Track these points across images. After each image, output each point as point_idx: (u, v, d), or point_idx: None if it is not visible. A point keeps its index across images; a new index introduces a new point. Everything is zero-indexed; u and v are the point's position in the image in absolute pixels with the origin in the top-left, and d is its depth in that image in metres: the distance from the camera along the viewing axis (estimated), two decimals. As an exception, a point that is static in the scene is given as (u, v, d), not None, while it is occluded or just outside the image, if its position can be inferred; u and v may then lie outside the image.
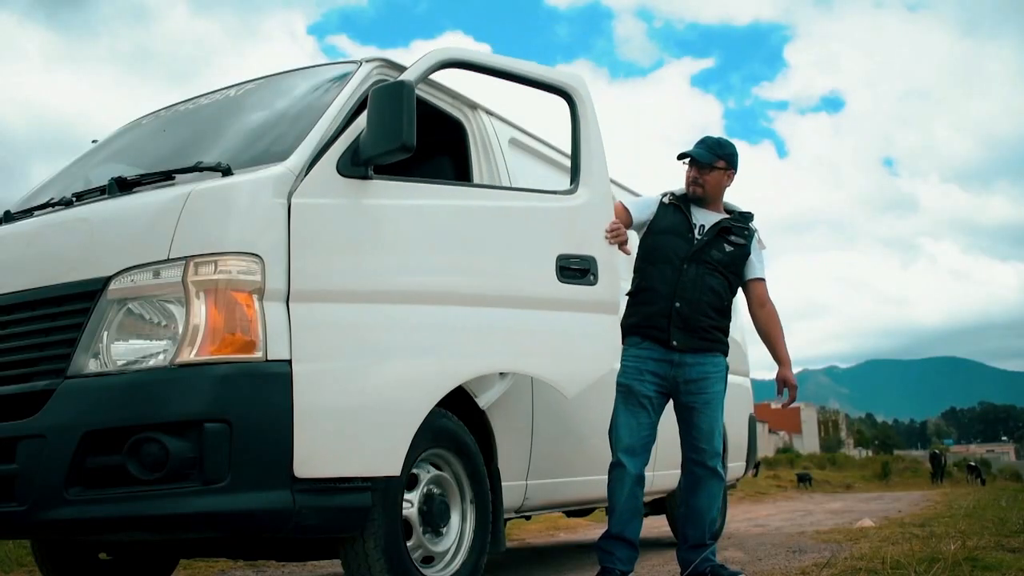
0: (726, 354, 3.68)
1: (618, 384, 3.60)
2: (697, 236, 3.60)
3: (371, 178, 2.77)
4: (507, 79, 3.35)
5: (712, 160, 3.63)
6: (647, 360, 3.54)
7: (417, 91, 3.42)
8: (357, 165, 2.73)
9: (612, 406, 3.61)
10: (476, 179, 3.61)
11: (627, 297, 3.70)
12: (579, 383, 3.26)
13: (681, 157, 3.68)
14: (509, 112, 4.02)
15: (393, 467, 2.69)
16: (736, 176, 3.71)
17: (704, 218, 3.66)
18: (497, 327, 3.05)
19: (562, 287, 3.19)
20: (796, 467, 30.36)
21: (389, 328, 2.76)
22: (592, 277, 3.28)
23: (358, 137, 2.75)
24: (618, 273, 3.42)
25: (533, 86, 3.42)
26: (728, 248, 3.62)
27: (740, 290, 3.79)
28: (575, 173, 3.39)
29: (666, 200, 3.71)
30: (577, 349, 3.27)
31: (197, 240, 2.46)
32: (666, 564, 4.32)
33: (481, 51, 3.37)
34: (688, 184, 3.68)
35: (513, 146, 3.97)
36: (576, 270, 3.24)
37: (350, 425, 2.63)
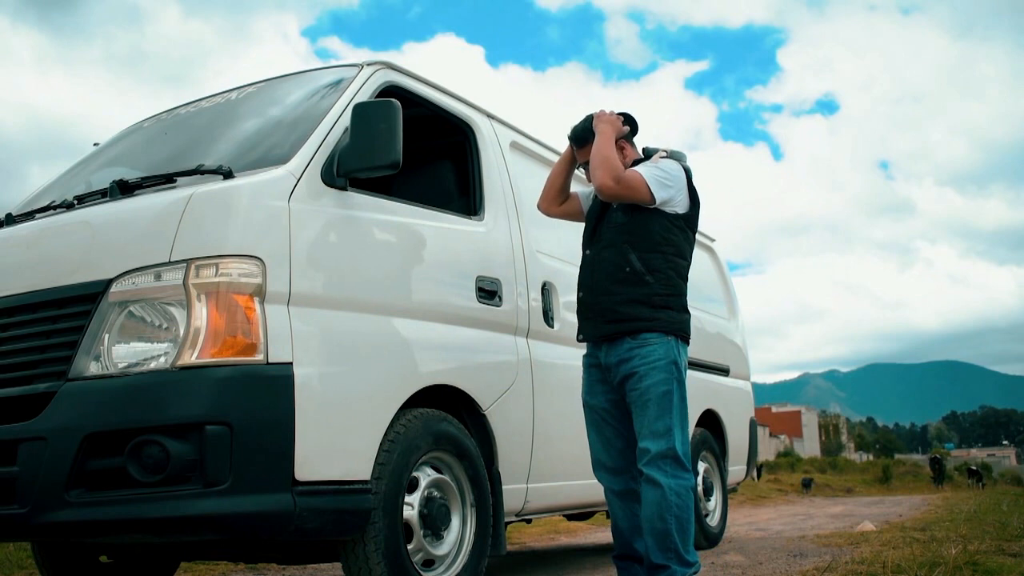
0: (664, 330, 3.12)
1: (582, 401, 3.40)
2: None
3: (347, 189, 2.83)
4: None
5: None
6: (591, 369, 3.33)
7: (423, 94, 3.45)
8: (338, 176, 2.79)
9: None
10: (481, 181, 3.63)
11: None
12: (493, 397, 3.34)
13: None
14: (509, 115, 4.03)
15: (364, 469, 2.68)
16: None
17: None
18: (436, 340, 3.11)
19: (479, 306, 3.34)
20: (797, 471, 30.33)
21: (375, 334, 2.82)
22: (498, 299, 3.46)
23: (335, 148, 2.81)
24: (523, 296, 3.60)
25: (431, 118, 3.58)
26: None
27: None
28: (480, 201, 3.59)
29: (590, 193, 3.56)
30: (490, 365, 3.39)
31: (198, 243, 2.46)
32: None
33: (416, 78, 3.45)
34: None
35: (514, 149, 3.99)
36: (487, 291, 3.41)
37: (351, 428, 2.64)
